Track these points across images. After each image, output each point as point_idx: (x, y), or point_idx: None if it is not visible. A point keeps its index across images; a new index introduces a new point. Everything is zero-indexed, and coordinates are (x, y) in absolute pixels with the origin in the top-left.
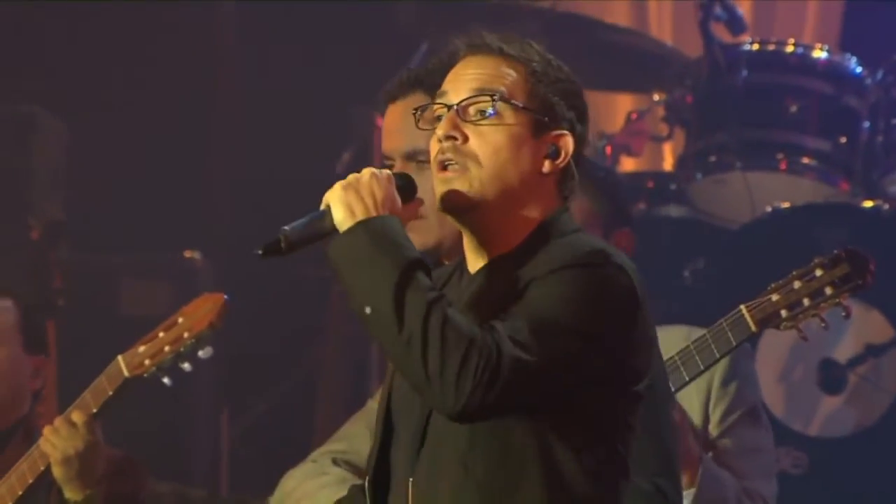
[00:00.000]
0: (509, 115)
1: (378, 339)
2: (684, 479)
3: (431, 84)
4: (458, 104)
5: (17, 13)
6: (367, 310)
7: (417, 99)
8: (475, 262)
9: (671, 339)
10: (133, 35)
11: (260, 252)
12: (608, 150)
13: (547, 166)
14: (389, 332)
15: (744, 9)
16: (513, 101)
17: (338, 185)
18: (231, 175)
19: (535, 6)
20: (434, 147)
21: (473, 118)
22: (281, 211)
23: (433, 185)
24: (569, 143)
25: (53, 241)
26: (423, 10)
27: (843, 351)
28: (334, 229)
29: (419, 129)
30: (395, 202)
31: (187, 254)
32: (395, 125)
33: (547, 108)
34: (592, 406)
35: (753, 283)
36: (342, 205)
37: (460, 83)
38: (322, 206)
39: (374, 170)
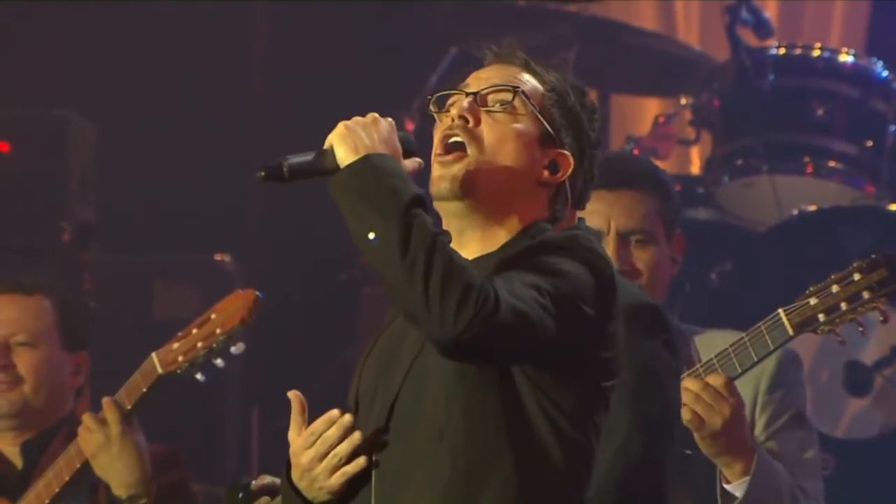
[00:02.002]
0: (523, 114)
1: (378, 265)
2: (738, 468)
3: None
4: (478, 91)
5: (44, 16)
6: (371, 235)
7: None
8: None
9: (720, 344)
10: (165, 36)
11: (262, 174)
12: (636, 153)
13: (545, 176)
14: (392, 257)
15: (770, 13)
16: (531, 101)
17: (341, 125)
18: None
19: (563, 10)
20: (441, 127)
21: (490, 106)
22: (311, 214)
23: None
24: (569, 164)
25: (85, 244)
26: (453, 14)
27: (870, 353)
28: (337, 168)
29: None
30: (397, 146)
31: (218, 256)
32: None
33: (555, 126)
34: (565, 391)
35: (780, 285)
36: (345, 142)
37: (483, 79)
38: (325, 146)
39: (377, 115)
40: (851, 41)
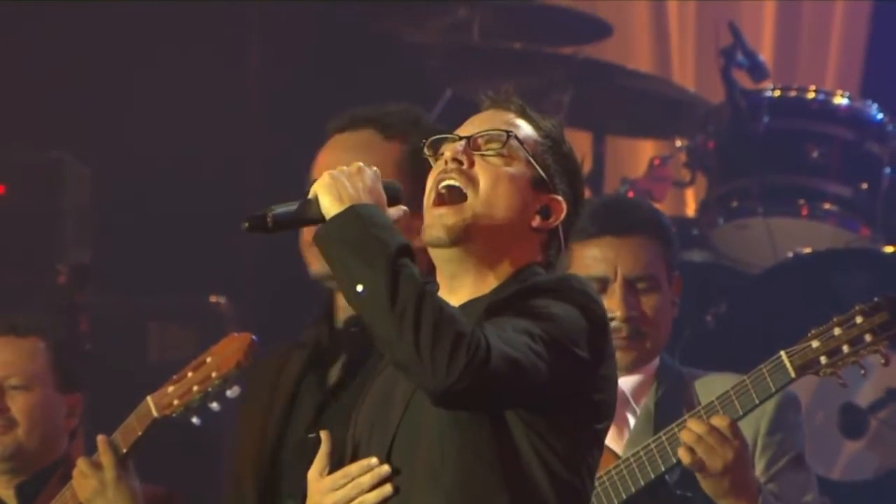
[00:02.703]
0: (516, 158)
1: (367, 317)
2: None
3: (386, 125)
4: (471, 136)
5: (40, 58)
6: (360, 287)
7: (368, 136)
8: (448, 301)
9: (719, 387)
10: (160, 80)
11: (245, 225)
12: (630, 195)
13: (537, 221)
14: (381, 309)
15: (765, 55)
16: (524, 146)
17: (326, 174)
18: (261, 181)
19: (558, 53)
20: (434, 174)
21: (483, 150)
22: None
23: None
24: (561, 209)
25: (80, 285)
26: (448, 56)
27: (865, 395)
28: (321, 218)
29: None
30: (381, 196)
31: (213, 298)
32: (338, 155)
33: (549, 172)
34: (559, 433)
35: (775, 327)
36: (330, 192)
37: (476, 124)
38: (310, 195)
39: (361, 164)
40: (846, 84)
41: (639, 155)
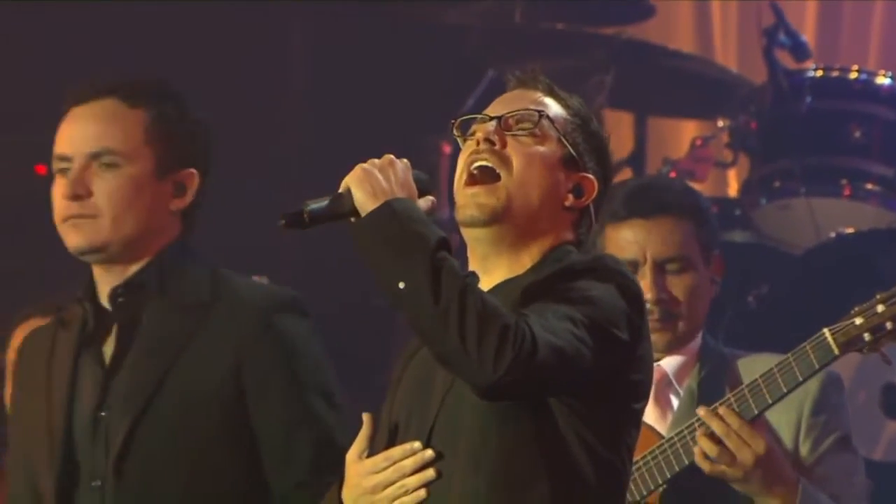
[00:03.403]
0: (547, 138)
1: (409, 314)
2: (779, 502)
3: (129, 94)
4: (502, 115)
5: (82, 41)
6: (401, 285)
7: (110, 104)
8: (482, 283)
9: (761, 367)
10: (200, 58)
11: (282, 222)
12: (673, 175)
13: (570, 200)
14: (424, 305)
15: (808, 35)
16: (555, 125)
17: (358, 168)
18: (299, 203)
19: (600, 33)
20: (466, 152)
21: (514, 130)
22: (347, 238)
23: (458, 197)
24: (593, 187)
25: None
26: (490, 37)
27: None
28: (353, 211)
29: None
30: (413, 188)
31: (255, 278)
32: (82, 126)
33: (579, 150)
34: (599, 414)
35: (817, 308)
36: (363, 186)
37: (505, 104)
38: (342, 187)
39: (392, 156)
40: (889, 63)
41: (681, 135)
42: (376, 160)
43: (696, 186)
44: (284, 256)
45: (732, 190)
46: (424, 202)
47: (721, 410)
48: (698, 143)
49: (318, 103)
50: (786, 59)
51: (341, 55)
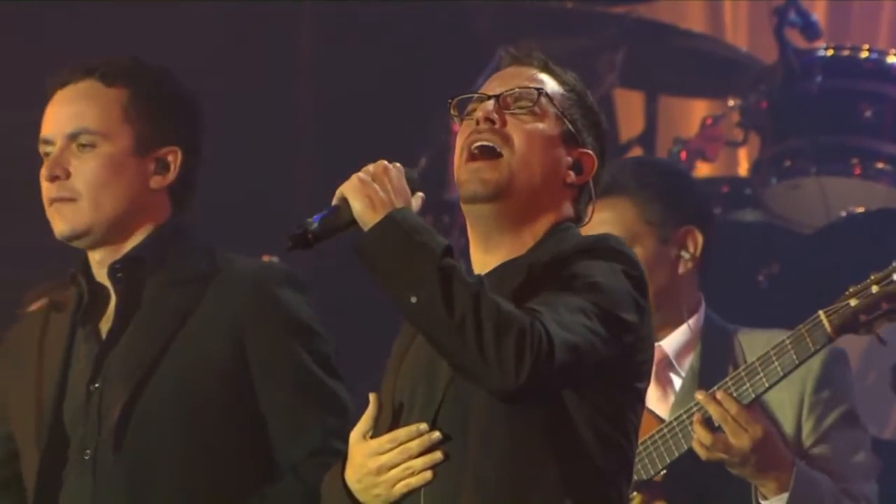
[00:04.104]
0: (546, 115)
1: (423, 327)
2: (776, 485)
3: (106, 74)
4: (501, 94)
5: (99, 26)
6: (413, 299)
7: (88, 85)
8: (483, 263)
9: (762, 342)
10: (217, 42)
11: (289, 245)
12: (683, 155)
13: (571, 177)
14: (440, 318)
15: (818, 14)
16: (553, 102)
17: (354, 178)
18: (308, 183)
19: (610, 12)
20: (465, 132)
21: (513, 108)
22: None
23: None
24: (593, 163)
25: None
26: (500, 16)
27: None
28: (353, 221)
29: None
30: (408, 193)
31: (266, 258)
32: (62, 108)
33: (577, 126)
34: (607, 396)
35: (828, 287)
36: (361, 196)
37: (503, 82)
38: (336, 198)
39: (386, 162)
40: None
41: (691, 114)
42: (370, 167)
43: (707, 166)
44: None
45: (743, 169)
46: (417, 201)
47: (719, 395)
48: (709, 122)
49: (326, 82)
50: (796, 39)
51: (349, 33)
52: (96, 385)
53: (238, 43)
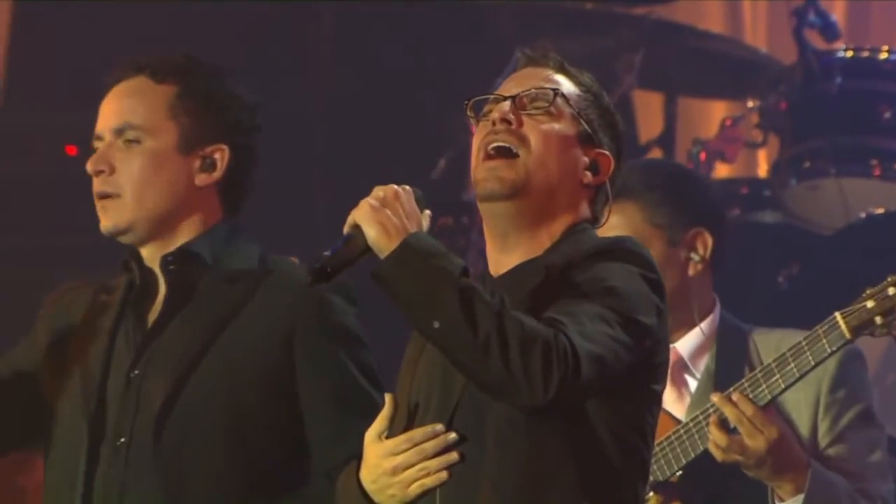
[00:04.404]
0: (562, 115)
1: (449, 350)
2: (792, 486)
3: (156, 70)
4: (517, 94)
5: (110, 20)
6: (436, 324)
7: (138, 81)
8: (500, 264)
9: (774, 340)
10: (232, 39)
11: (309, 280)
12: (702, 156)
13: (588, 177)
14: (464, 341)
15: (838, 15)
16: (570, 103)
17: (365, 204)
18: (325, 183)
19: (630, 13)
20: (481, 133)
21: (529, 109)
22: None
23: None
24: (609, 163)
25: None
26: (519, 16)
27: None
28: (368, 248)
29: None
30: (419, 214)
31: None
32: (111, 104)
33: (594, 127)
34: (625, 398)
35: (848, 288)
36: (374, 223)
37: (519, 82)
38: (348, 225)
39: (394, 186)
40: None
41: (710, 116)
42: (380, 192)
43: (726, 167)
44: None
45: (762, 170)
46: (425, 220)
47: (734, 397)
48: (728, 123)
49: (344, 82)
50: (816, 40)
51: (369, 35)
52: (136, 372)
53: (256, 43)
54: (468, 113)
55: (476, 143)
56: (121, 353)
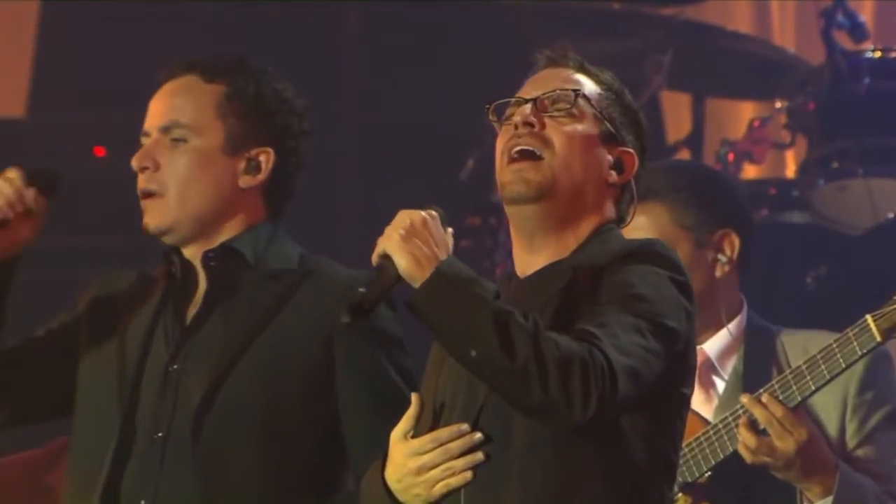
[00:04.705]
0: (584, 116)
1: (486, 378)
2: (821, 489)
3: (206, 69)
4: (538, 97)
5: (139, 22)
6: (473, 353)
7: (188, 79)
8: (526, 265)
9: (801, 341)
10: (261, 40)
11: (347, 320)
12: (731, 157)
13: (613, 177)
14: (502, 367)
15: (866, 15)
16: (591, 102)
17: (395, 234)
18: (354, 185)
19: (658, 14)
20: (505, 136)
21: (551, 111)
22: None
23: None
24: (634, 162)
25: None
26: (546, 17)
27: None
28: (399, 277)
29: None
30: (447, 241)
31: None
32: (160, 102)
33: (616, 125)
34: (655, 403)
35: (876, 289)
36: (405, 253)
37: (539, 84)
38: (377, 255)
39: (421, 212)
40: None
41: (738, 116)
42: (407, 219)
43: (754, 168)
44: (344, 236)
45: (790, 171)
46: (449, 239)
47: (764, 398)
48: (756, 124)
49: (374, 81)
50: (844, 40)
51: (394, 35)
52: (175, 367)
53: (283, 44)
54: (490, 117)
55: (499, 146)
56: (158, 346)
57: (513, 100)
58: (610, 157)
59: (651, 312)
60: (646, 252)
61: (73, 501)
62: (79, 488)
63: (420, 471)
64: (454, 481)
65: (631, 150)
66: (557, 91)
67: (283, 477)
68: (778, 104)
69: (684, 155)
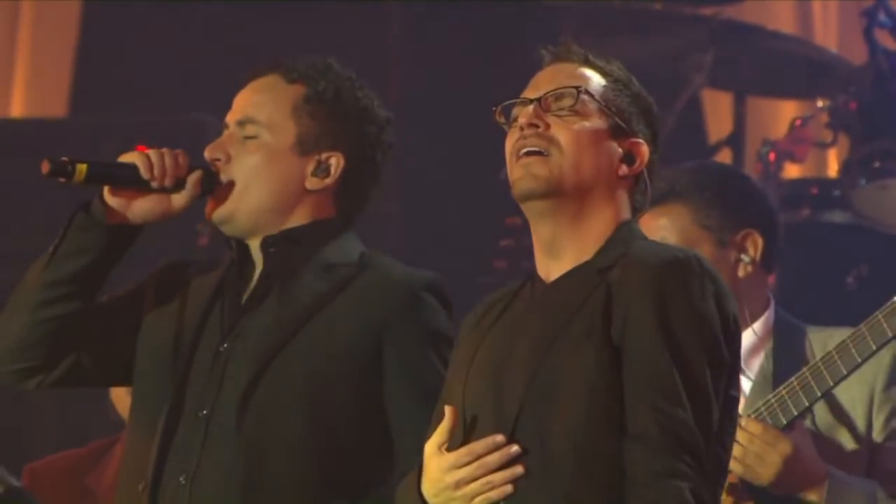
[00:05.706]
0: (590, 111)
1: None
2: (812, 497)
3: (289, 70)
4: (541, 96)
5: (177, 20)
6: None
7: (273, 80)
8: (550, 268)
9: (830, 339)
10: (296, 39)
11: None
12: (772, 156)
13: (623, 169)
14: None
15: None
16: (596, 97)
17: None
18: (397, 182)
19: (698, 14)
20: (511, 141)
21: (556, 110)
22: (447, 218)
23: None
24: (645, 152)
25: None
26: (588, 16)
27: None
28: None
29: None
30: None
31: None
32: (242, 97)
33: (625, 117)
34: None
35: None
36: None
37: (543, 83)
38: None
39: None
40: None
41: (780, 116)
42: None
43: (795, 167)
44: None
45: (832, 170)
46: None
47: (742, 422)
48: (798, 123)
49: (414, 80)
50: (886, 40)
51: (437, 35)
52: (225, 346)
53: (324, 43)
54: (498, 119)
55: (508, 148)
56: (213, 327)
57: (517, 100)
58: (620, 150)
59: (700, 368)
60: (689, 276)
61: (128, 477)
62: (134, 464)
63: (458, 485)
64: (494, 495)
65: (640, 140)
66: (560, 89)
67: (324, 467)
68: (820, 103)
69: (726, 155)
